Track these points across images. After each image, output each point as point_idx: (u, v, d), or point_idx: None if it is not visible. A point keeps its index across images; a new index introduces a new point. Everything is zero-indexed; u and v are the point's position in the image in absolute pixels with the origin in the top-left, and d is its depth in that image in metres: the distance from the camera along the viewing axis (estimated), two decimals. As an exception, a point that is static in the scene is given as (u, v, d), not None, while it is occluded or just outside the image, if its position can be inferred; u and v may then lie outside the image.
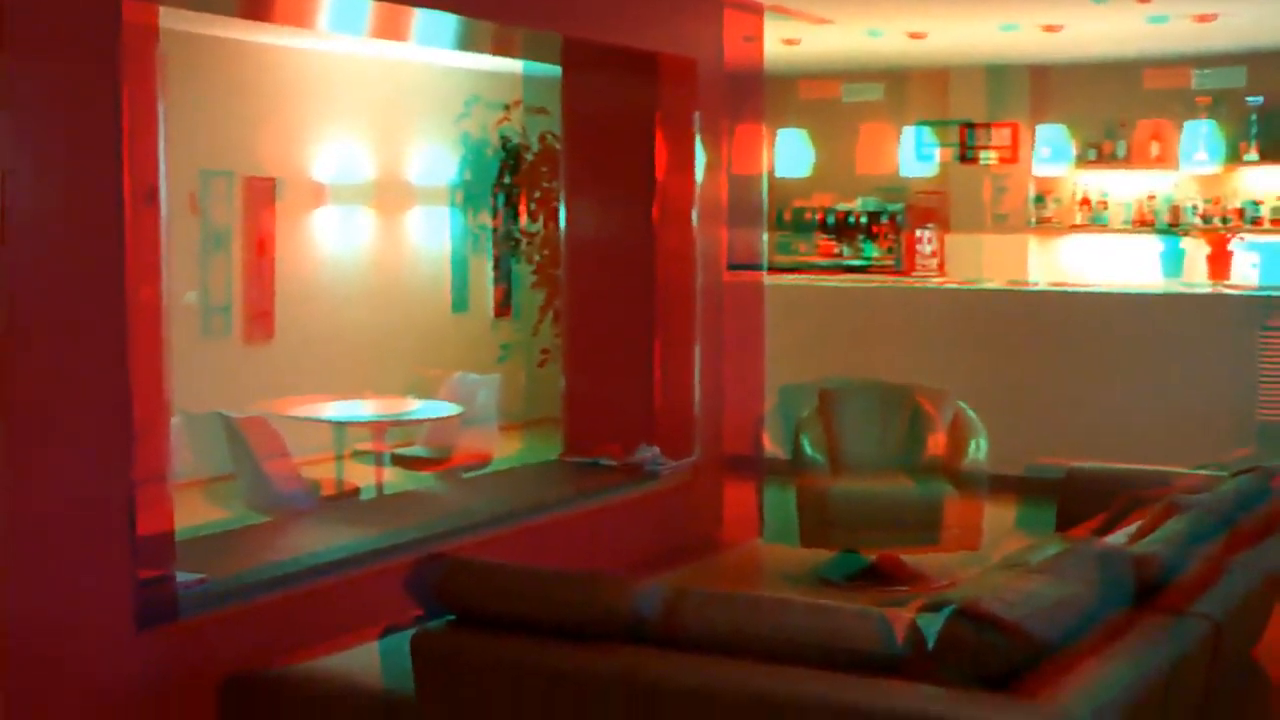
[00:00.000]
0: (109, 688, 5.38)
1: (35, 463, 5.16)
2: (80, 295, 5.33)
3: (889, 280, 12.77)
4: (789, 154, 14.36)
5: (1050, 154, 13.45)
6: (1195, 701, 4.77)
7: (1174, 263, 12.69)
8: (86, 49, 5.33)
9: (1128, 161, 13.25)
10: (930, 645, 3.97)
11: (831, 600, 4.91)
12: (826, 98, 14.70)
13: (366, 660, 5.23)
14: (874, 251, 14.28)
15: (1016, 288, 11.96)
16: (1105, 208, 13.39)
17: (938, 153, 13.75)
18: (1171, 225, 13.00)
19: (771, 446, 9.91)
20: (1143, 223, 13.20)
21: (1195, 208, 12.96)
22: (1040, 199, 13.64)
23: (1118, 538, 5.17)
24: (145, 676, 5.50)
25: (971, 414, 8.79)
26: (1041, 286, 12.07)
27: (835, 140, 14.48)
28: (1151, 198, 13.19)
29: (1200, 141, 12.69)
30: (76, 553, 5.31)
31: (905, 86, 14.33)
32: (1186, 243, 12.75)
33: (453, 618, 4.52)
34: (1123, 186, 13.36)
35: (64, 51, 5.27)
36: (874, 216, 14.37)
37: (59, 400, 5.26)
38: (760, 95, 10.05)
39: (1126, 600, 4.50)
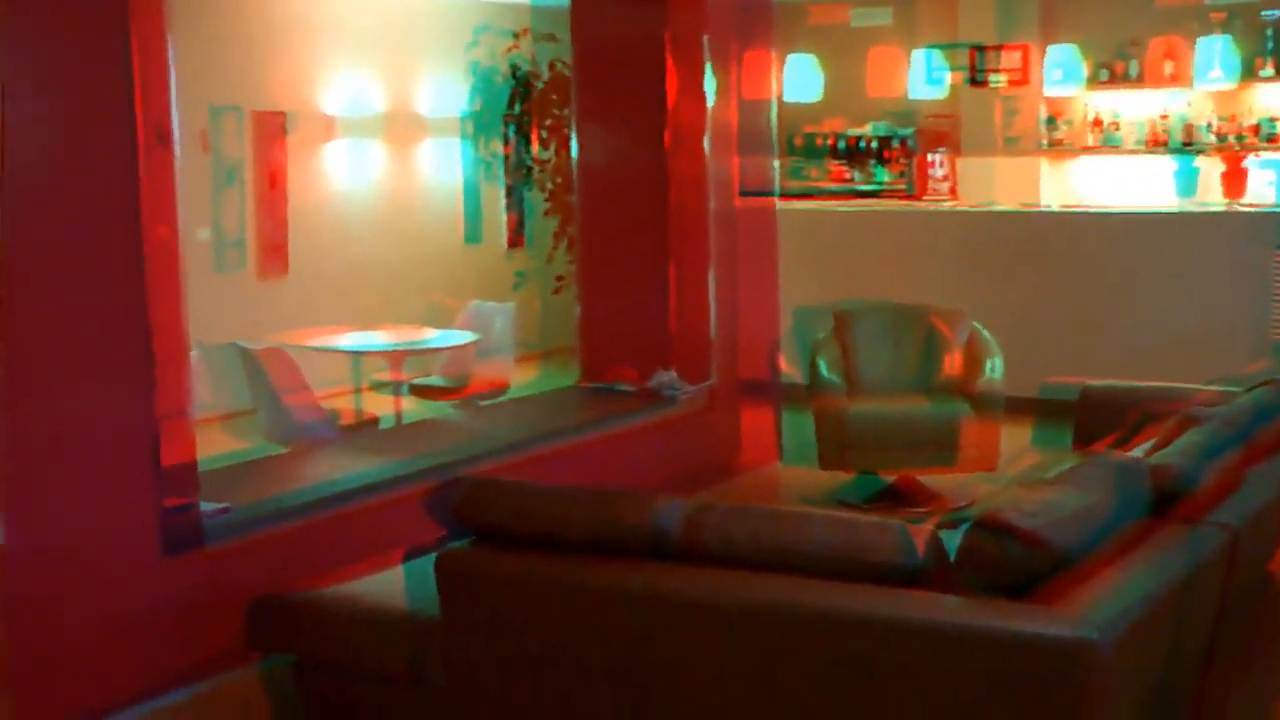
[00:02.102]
0: (138, 610, 5.47)
1: (62, 397, 5.24)
2: (98, 233, 5.39)
3: (901, 204, 12.74)
4: (798, 79, 14.29)
5: (1062, 75, 13.34)
6: (1212, 611, 4.82)
7: (1188, 182, 12.60)
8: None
9: (1140, 81, 13.14)
10: (951, 557, 4.01)
11: (851, 516, 4.95)
12: (835, 22, 14.62)
13: (390, 583, 5.27)
14: (885, 176, 14.23)
15: (1029, 210, 11.92)
16: (1118, 129, 13.30)
17: (948, 76, 13.65)
18: (1185, 144, 12.90)
19: (788, 370, 9.93)
20: (1156, 143, 13.10)
21: (1210, 126, 12.85)
22: (1052, 121, 13.56)
23: (1135, 452, 5.20)
24: (173, 600, 5.58)
25: (986, 334, 8.79)
26: (1054, 208, 12.03)
27: (845, 65, 14.40)
28: (1165, 117, 13.09)
29: (1215, 58, 12.54)
30: (104, 483, 5.40)
31: (914, 10, 14.24)
32: (1201, 162, 12.66)
33: (475, 538, 4.56)
34: (1135, 106, 13.26)
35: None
36: (885, 141, 14.32)
37: (82, 336, 5.32)
38: (769, 20, 10.02)
39: (1144, 510, 4.54)
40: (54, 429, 5.21)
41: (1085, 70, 13.33)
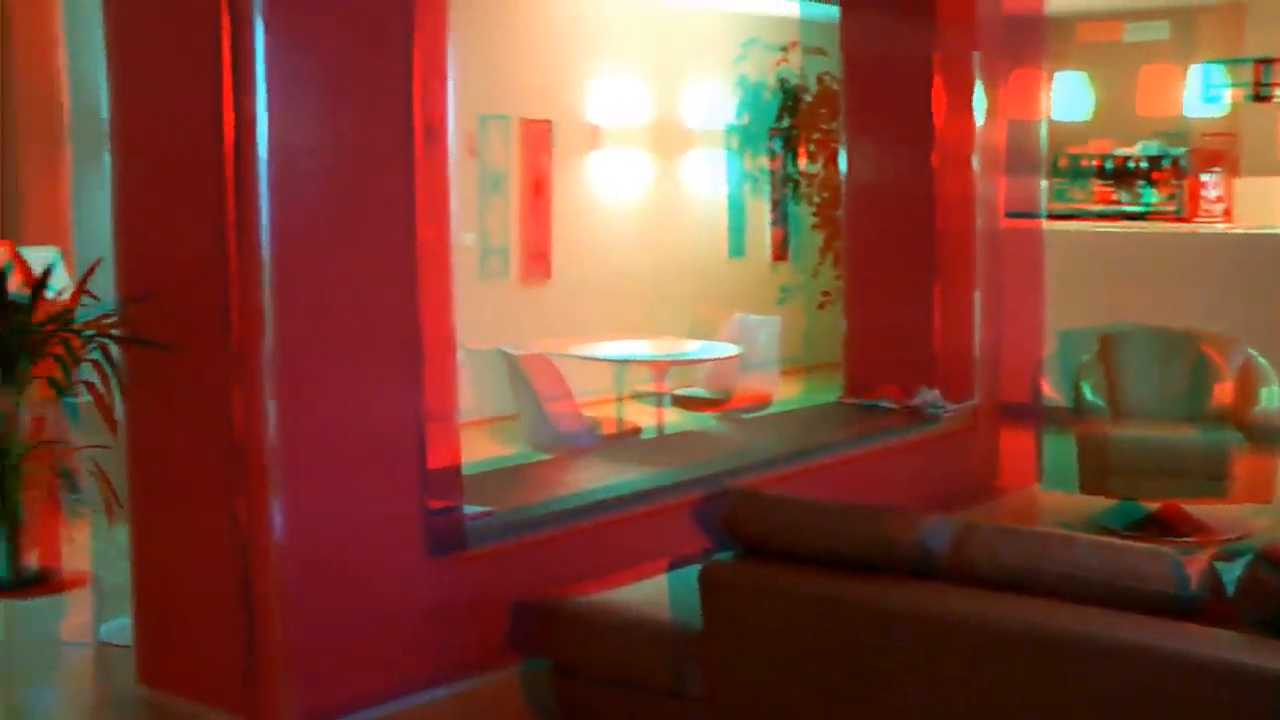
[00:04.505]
0: (403, 611, 5.54)
1: (334, 397, 5.32)
2: (373, 233, 5.45)
3: (1171, 226, 12.42)
4: (1067, 98, 14.04)
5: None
6: None
7: None
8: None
9: None
10: (1228, 591, 3.89)
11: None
12: (1106, 39, 14.34)
13: (652, 592, 5.30)
14: (1154, 197, 13.89)
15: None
16: None
17: (1227, 93, 13.25)
18: None
19: (1050, 392, 9.76)
20: None
21: None
22: (1342, 140, 13.09)
23: None
24: (437, 601, 5.64)
25: (1263, 362, 8.54)
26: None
27: (1114, 82, 14.11)
28: None
29: None
30: (372, 483, 5.46)
31: (1193, 23, 13.88)
32: None
33: (741, 550, 4.56)
34: None
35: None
36: (1154, 161, 13.97)
37: (354, 336, 5.40)
38: (1041, 36, 9.86)
39: None
40: (326, 428, 5.29)
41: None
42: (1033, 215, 9.71)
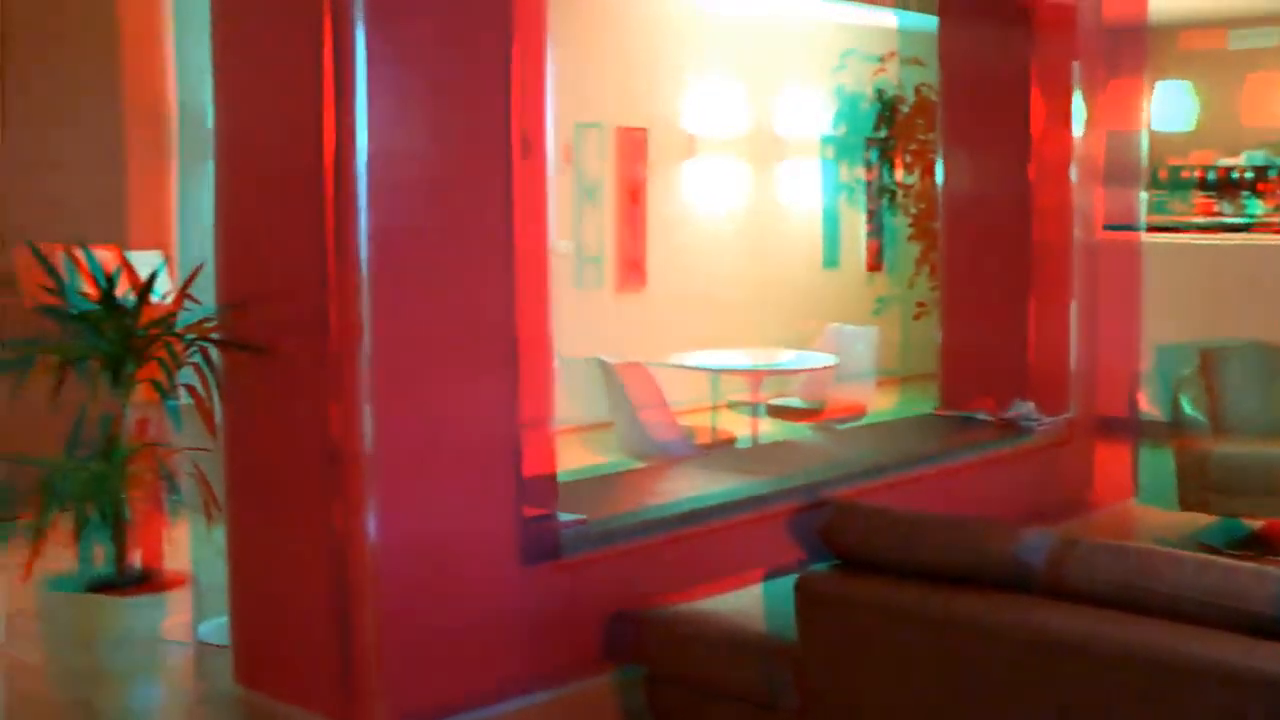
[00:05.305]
0: (496, 618, 5.56)
1: (432, 402, 5.35)
2: (472, 240, 5.48)
3: (1277, 238, 12.26)
4: (1168, 108, 13.89)
5: None
6: None
7: None
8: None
9: None
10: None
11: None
12: (1210, 47, 14.17)
13: (746, 602, 5.30)
14: (1258, 209, 13.72)
15: None
16: None
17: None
18: None
19: (1147, 407, 9.67)
20: None
21: None
22: None
23: None
24: (530, 609, 5.66)
25: (1373, 380, 8.44)
26: None
27: (1218, 92, 13.95)
28: None
29: None
30: (468, 490, 5.49)
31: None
32: None
33: (837, 561, 4.54)
34: None
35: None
36: (1260, 172, 13.81)
37: (452, 342, 5.43)
38: (1143, 45, 9.77)
39: None
40: (422, 434, 5.31)
41: None
42: (1131, 228, 9.63)
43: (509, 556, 5.61)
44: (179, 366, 5.36)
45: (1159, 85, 13.78)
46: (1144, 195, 9.95)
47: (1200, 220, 13.73)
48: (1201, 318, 10.66)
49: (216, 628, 6.10)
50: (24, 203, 8.89)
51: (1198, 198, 14.04)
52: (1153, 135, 12.85)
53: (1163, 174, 14.11)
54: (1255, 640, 3.81)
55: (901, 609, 4.32)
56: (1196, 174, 14.11)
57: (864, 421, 9.72)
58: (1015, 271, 8.92)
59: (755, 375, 10.05)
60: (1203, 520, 8.53)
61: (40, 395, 5.18)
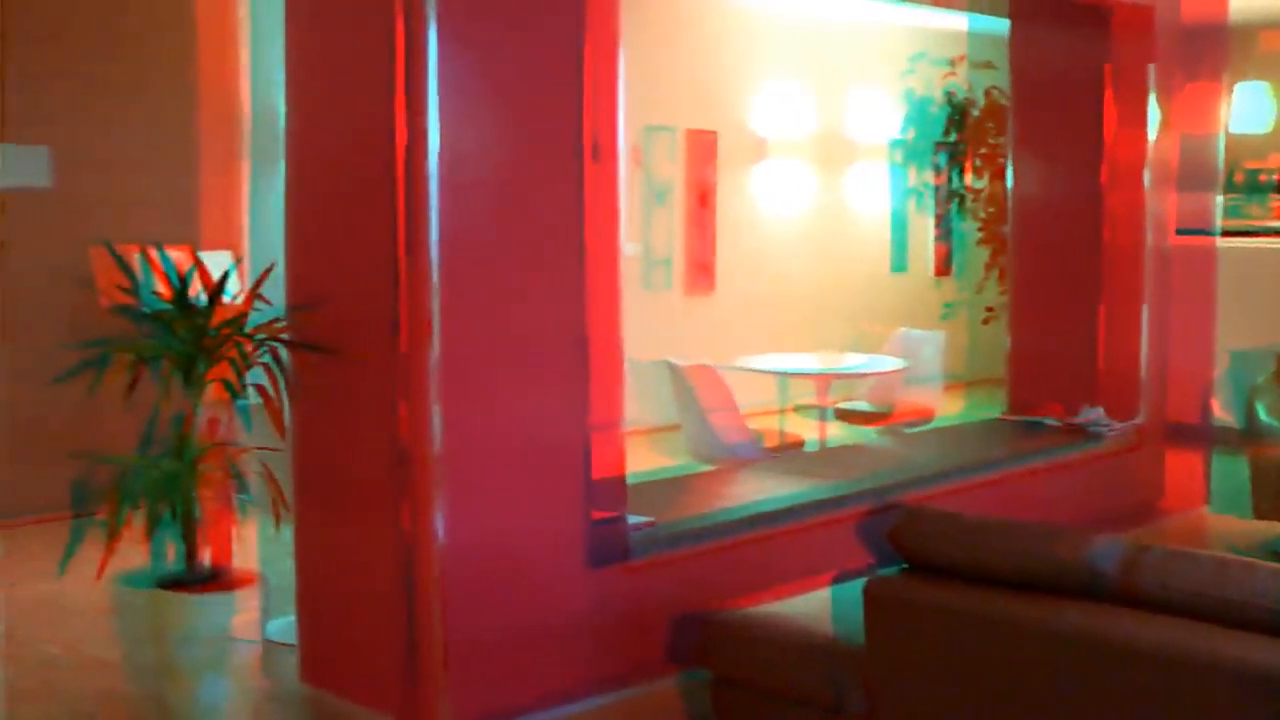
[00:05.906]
0: (563, 620, 5.57)
1: (501, 404, 5.36)
2: (543, 242, 5.49)
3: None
4: (1246, 110, 13.74)
5: None
6: None
7: None
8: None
9: None
10: None
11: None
12: (1291, 48, 14.03)
13: (813, 606, 5.28)
14: (1336, 213, 13.60)
15: None
16: None
17: None
18: None
19: (1220, 413, 9.58)
20: None
21: None
22: None
23: None
24: (597, 611, 5.67)
25: None
26: None
27: (1299, 94, 13.81)
28: None
29: None
30: (537, 491, 5.50)
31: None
32: None
33: (906, 566, 4.52)
34: None
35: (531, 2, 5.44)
36: (1342, 175, 13.68)
37: (522, 344, 5.44)
38: (1222, 47, 9.68)
39: None
40: (491, 436, 5.32)
41: None
42: (1206, 232, 9.55)
43: (576, 559, 5.62)
44: (249, 366, 5.39)
45: (1237, 87, 13.63)
46: (1219, 199, 9.86)
47: (1277, 224, 13.59)
48: (1277, 323, 10.56)
49: (284, 626, 6.13)
50: (101, 203, 8.98)
51: (1275, 201, 13.89)
52: (1229, 138, 12.77)
53: (1239, 177, 13.96)
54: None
55: (970, 614, 4.30)
56: (1275, 178, 13.96)
57: (932, 426, 9.69)
58: (1086, 276, 8.86)
59: (823, 379, 10.03)
60: (1278, 529, 8.44)
61: (115, 394, 5.22)
